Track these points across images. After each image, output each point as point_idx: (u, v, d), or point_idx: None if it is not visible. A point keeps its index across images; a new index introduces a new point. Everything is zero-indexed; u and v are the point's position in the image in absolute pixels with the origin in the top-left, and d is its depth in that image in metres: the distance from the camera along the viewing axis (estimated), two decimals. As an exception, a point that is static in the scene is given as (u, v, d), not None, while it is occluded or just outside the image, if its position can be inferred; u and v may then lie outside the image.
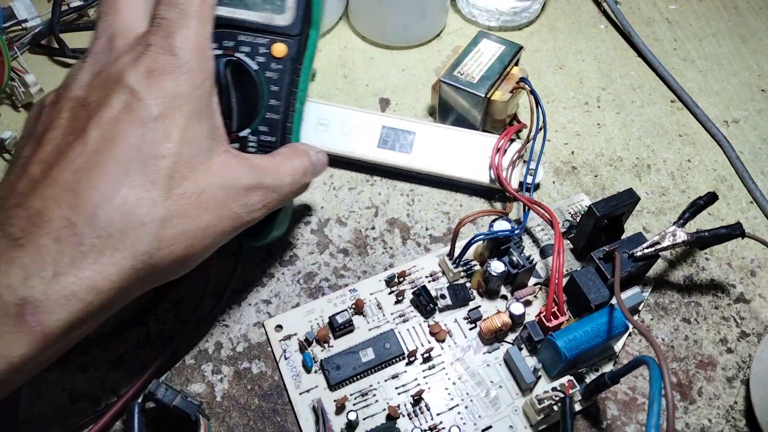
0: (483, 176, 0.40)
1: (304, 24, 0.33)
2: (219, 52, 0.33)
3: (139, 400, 0.31)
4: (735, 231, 0.34)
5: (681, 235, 0.34)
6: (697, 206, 0.35)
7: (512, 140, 0.40)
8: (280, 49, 0.33)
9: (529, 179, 0.39)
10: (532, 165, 0.39)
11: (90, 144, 0.26)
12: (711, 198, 0.35)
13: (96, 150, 0.26)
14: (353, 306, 0.35)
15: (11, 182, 0.26)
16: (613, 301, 0.33)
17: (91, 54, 0.29)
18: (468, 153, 0.40)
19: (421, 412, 0.32)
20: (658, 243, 0.34)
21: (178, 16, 0.28)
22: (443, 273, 0.37)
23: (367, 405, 0.32)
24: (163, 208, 0.26)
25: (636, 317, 0.36)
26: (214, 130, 0.29)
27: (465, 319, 0.35)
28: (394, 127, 0.41)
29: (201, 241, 0.28)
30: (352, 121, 0.41)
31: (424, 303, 0.34)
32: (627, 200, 0.34)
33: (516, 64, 0.42)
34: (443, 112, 0.42)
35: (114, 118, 0.26)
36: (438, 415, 0.32)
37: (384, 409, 0.32)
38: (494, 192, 0.41)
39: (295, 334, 0.34)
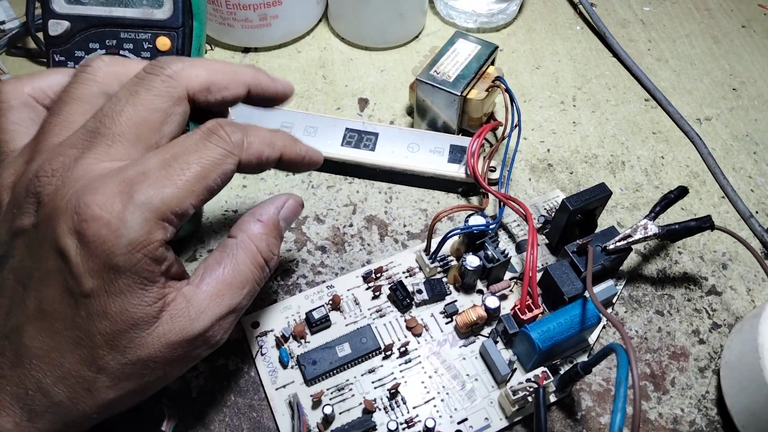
0: (440, 168, 0.40)
1: (185, 16, 0.34)
2: (102, 52, 0.34)
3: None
4: (704, 223, 0.34)
5: (652, 228, 0.34)
6: (667, 200, 0.35)
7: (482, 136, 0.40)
8: (164, 42, 0.34)
9: (505, 174, 0.39)
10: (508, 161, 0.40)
11: (31, 309, 0.24)
12: (681, 192, 0.36)
13: (36, 317, 0.24)
14: (330, 302, 0.35)
15: None
16: (587, 293, 0.33)
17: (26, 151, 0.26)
18: (428, 147, 0.41)
19: (398, 406, 0.32)
20: (630, 236, 0.34)
21: (161, 174, 0.24)
22: (420, 268, 0.37)
23: (344, 399, 0.32)
24: (107, 380, 0.25)
25: (610, 310, 0.36)
26: (153, 298, 0.25)
27: (441, 313, 0.35)
28: (358, 129, 0.41)
29: (153, 389, 0.26)
30: (315, 123, 0.42)
31: (401, 298, 0.35)
32: (599, 194, 0.35)
33: (492, 63, 0.43)
34: (421, 111, 0.43)
35: (45, 286, 0.24)
36: (414, 408, 0.32)
37: (360, 404, 0.32)
38: (472, 189, 0.41)
39: (272, 330, 0.34)
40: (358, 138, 0.41)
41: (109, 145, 0.25)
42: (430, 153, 0.41)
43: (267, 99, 0.30)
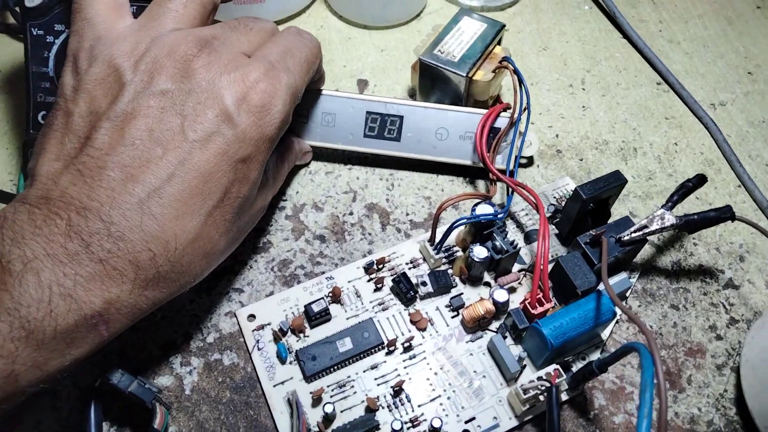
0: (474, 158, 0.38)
1: None
2: None
3: (96, 384, 0.29)
4: (724, 214, 0.33)
5: (669, 219, 0.33)
6: (685, 188, 0.34)
7: (497, 118, 0.38)
8: None
9: (514, 161, 0.37)
10: (517, 144, 0.38)
11: (178, 169, 0.25)
12: (700, 180, 0.34)
13: (183, 179, 0.25)
14: (330, 294, 0.33)
15: (78, 165, 0.25)
16: (601, 287, 0.32)
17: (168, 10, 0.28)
18: (457, 133, 0.38)
19: (402, 404, 0.30)
20: (645, 227, 0.33)
21: (300, 45, 0.31)
22: (424, 259, 0.35)
23: (345, 397, 0.30)
24: (222, 245, 0.28)
25: (623, 304, 0.34)
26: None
27: (447, 306, 0.33)
28: (380, 112, 0.38)
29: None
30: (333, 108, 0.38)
31: (405, 290, 0.33)
32: (613, 182, 0.33)
33: (498, 43, 0.40)
34: (424, 93, 0.41)
35: (206, 148, 0.26)
36: (419, 406, 0.30)
37: (362, 401, 0.30)
38: (479, 175, 0.39)
39: (269, 324, 0.32)
40: (381, 124, 0.38)
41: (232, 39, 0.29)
42: (459, 140, 0.38)
43: None
